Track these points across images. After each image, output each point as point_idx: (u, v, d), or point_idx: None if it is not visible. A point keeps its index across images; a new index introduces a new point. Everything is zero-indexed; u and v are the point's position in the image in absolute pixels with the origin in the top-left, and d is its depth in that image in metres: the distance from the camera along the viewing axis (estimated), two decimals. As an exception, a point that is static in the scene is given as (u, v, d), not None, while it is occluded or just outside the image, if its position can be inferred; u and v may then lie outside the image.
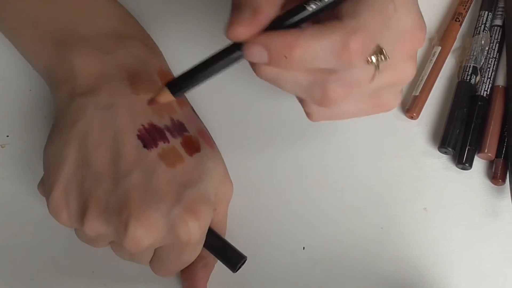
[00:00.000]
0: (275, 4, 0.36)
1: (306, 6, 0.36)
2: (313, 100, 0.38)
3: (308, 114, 0.41)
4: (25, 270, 0.49)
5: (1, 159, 0.51)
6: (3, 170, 0.51)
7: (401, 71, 0.39)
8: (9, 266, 0.49)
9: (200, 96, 0.50)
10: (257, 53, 0.36)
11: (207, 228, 0.43)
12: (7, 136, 0.51)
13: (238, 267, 0.45)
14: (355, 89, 0.37)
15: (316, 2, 0.36)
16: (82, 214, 0.42)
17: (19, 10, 0.47)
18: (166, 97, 0.38)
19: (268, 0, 0.35)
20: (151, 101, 0.39)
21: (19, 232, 0.49)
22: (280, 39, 0.35)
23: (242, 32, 0.35)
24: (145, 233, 0.40)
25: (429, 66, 0.51)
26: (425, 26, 0.39)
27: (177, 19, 0.53)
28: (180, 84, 0.38)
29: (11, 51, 0.50)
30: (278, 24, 0.36)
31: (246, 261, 0.45)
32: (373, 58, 0.37)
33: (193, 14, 0.53)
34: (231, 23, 0.35)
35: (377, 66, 0.37)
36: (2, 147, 0.51)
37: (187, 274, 0.47)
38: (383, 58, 0.37)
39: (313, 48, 0.35)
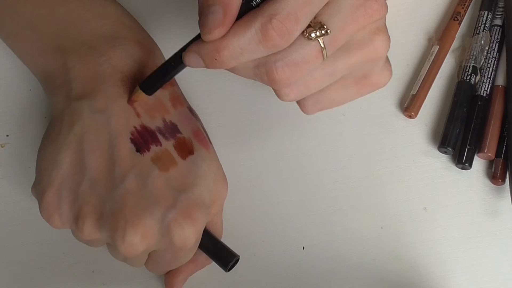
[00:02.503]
0: None
1: None
2: (265, 82, 0.38)
3: (299, 106, 0.42)
4: (25, 269, 0.49)
5: (1, 158, 0.51)
6: (3, 169, 0.51)
7: (370, 45, 0.39)
8: (9, 266, 0.49)
9: (198, 95, 0.50)
10: (193, 60, 0.38)
11: (202, 232, 0.43)
12: (7, 135, 0.51)
13: (230, 267, 0.45)
14: (304, 67, 0.37)
15: None
16: (77, 220, 0.42)
17: (18, 14, 0.47)
18: (140, 96, 0.43)
19: None
20: (129, 101, 0.44)
21: (19, 232, 0.50)
22: (207, 45, 0.36)
23: (217, 34, 0.36)
24: (140, 239, 0.40)
25: (427, 65, 0.51)
26: None
27: (176, 15, 0.53)
28: (150, 83, 0.42)
29: (11, 51, 0.50)
30: (247, 8, 0.36)
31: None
32: (312, 35, 0.37)
33: (193, 9, 0.53)
34: (206, 28, 0.36)
35: (321, 42, 0.37)
36: (2, 146, 0.51)
37: None
38: (323, 32, 0.37)
39: (237, 44, 0.36)
